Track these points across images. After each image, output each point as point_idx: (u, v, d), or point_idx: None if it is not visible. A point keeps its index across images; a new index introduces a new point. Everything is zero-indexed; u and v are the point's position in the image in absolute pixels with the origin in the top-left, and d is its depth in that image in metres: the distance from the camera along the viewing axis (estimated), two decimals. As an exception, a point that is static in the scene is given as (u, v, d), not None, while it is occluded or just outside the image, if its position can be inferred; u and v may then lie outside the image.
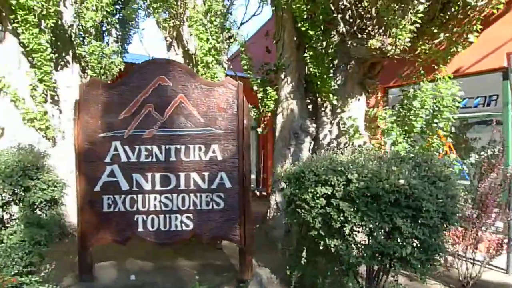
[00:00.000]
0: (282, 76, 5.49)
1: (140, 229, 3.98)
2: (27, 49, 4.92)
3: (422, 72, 5.19)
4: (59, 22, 5.52)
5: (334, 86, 5.07)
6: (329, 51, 4.91)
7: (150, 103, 4.00)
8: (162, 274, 4.26)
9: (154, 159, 4.00)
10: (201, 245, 4.83)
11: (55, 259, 3.49)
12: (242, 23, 9.37)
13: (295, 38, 5.41)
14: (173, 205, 4.01)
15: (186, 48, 5.53)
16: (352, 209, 3.08)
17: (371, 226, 2.99)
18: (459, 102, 4.97)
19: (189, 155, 4.01)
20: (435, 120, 4.82)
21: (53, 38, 5.42)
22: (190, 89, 4.02)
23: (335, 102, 5.15)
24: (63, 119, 5.72)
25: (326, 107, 5.42)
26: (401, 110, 5.11)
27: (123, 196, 3.97)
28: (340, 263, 3.37)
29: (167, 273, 4.31)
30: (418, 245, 2.98)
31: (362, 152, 3.61)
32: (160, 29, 5.58)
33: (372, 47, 4.40)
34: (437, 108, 4.81)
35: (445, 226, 3.02)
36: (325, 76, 4.94)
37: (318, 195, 3.29)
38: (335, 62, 5.20)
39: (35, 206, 3.02)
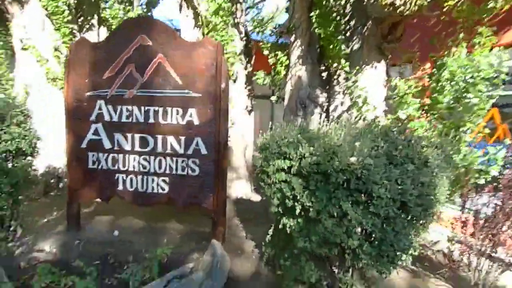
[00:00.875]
0: (292, 39, 4.99)
1: (120, 187, 4.07)
2: (47, 11, 5.20)
3: (461, 35, 4.28)
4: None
5: (345, 50, 4.45)
6: (339, 8, 4.27)
7: (131, 62, 3.95)
8: (145, 235, 4.34)
9: (134, 120, 3.99)
10: (201, 210, 4.82)
11: (49, 211, 3.78)
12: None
13: (307, -6, 4.81)
14: (151, 168, 3.99)
15: (196, 10, 5.31)
16: (302, 187, 2.71)
17: (318, 208, 2.60)
18: (506, 74, 4.02)
19: (167, 118, 3.91)
20: (468, 95, 3.97)
21: (76, 1, 5.63)
22: (170, 49, 3.85)
23: (347, 69, 4.54)
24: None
25: (339, 75, 4.81)
26: (429, 81, 4.33)
27: (105, 154, 4.07)
28: (293, 246, 3.04)
29: (150, 234, 4.38)
30: (371, 237, 2.52)
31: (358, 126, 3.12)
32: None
33: (383, 3, 3.70)
34: (471, 81, 3.94)
35: (406, 219, 2.47)
36: (332, 38, 4.33)
37: (277, 168, 2.97)
38: (352, 23, 4.53)
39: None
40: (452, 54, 4.12)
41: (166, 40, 3.85)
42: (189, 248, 3.98)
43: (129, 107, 3.98)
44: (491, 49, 4.16)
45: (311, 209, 2.64)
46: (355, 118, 4.67)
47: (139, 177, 4.03)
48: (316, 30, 4.41)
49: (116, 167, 4.06)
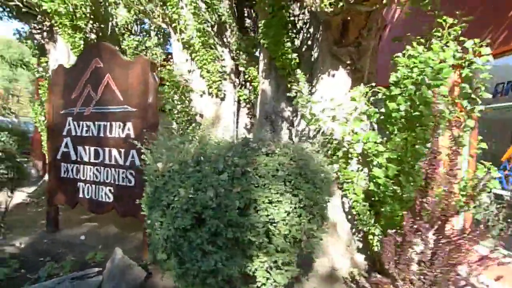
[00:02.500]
0: (258, 52, 4.87)
1: (80, 195, 4.52)
2: (70, 47, 6.23)
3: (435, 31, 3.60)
4: (106, 22, 6.67)
5: (295, 59, 4.17)
6: (285, 14, 4.03)
7: (89, 83, 4.44)
8: (108, 241, 4.67)
9: (90, 134, 4.44)
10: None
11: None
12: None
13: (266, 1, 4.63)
14: (101, 177, 4.35)
15: (181, 33, 5.65)
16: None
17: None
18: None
19: (112, 131, 4.25)
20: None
21: (99, 35, 6.60)
22: (114, 68, 4.22)
23: (301, 80, 4.22)
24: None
25: (303, 86, 4.47)
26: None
27: (72, 165, 4.60)
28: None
29: (113, 241, 4.68)
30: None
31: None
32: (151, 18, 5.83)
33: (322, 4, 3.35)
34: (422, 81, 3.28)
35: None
36: (278, 47, 4.11)
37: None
38: (304, 29, 4.24)
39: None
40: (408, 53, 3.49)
41: (112, 61, 4.25)
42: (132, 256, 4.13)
43: (88, 123, 4.46)
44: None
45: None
46: (314, 130, 4.29)
47: (93, 186, 4.41)
48: (261, 41, 4.25)
49: (78, 177, 4.55)
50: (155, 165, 2.33)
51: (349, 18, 3.77)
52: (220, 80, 5.67)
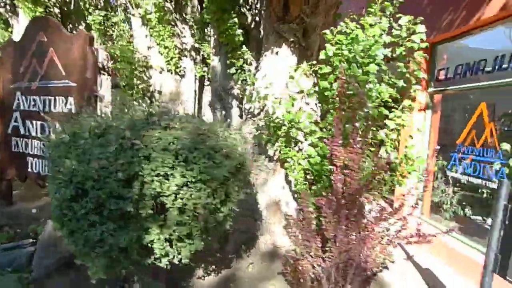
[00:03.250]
0: (209, 29, 4.80)
1: (29, 169, 4.56)
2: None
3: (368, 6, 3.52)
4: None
5: (238, 35, 4.11)
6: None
7: (35, 57, 4.41)
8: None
9: (37, 109, 4.44)
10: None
11: None
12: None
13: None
14: (46, 153, 4.37)
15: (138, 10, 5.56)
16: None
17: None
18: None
19: (56, 106, 4.25)
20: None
21: (63, 9, 6.51)
22: (58, 43, 4.18)
23: (246, 56, 4.18)
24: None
25: (250, 63, 4.43)
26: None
27: (21, 139, 4.63)
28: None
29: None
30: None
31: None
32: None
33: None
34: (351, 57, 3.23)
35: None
36: (224, 20, 4.04)
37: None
38: (255, 5, 4.15)
39: None
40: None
41: (56, 36, 4.20)
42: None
43: (35, 97, 4.45)
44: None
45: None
46: (258, 108, 4.27)
47: (40, 160, 4.45)
48: (205, 16, 4.19)
49: (27, 151, 4.58)
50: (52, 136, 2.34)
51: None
52: (179, 57, 5.61)
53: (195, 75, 5.90)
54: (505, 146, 3.84)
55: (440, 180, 5.28)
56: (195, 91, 5.91)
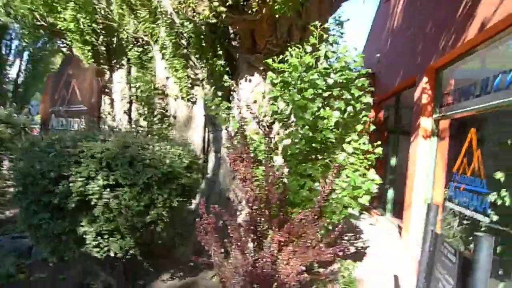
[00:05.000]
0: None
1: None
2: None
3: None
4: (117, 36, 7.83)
5: (219, 65, 4.63)
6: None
7: (64, 87, 5.46)
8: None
9: (63, 128, 5.43)
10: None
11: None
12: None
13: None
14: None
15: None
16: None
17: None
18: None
19: (74, 125, 5.18)
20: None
21: (109, 47, 7.77)
22: (78, 75, 5.17)
23: (227, 84, 4.68)
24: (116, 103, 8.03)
25: (234, 90, 4.91)
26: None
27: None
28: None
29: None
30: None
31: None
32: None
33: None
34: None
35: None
36: (208, 57, 4.62)
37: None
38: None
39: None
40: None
41: (77, 68, 5.19)
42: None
43: (62, 119, 5.47)
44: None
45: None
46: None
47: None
48: (189, 50, 4.79)
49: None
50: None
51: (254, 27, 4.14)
52: (191, 86, 6.31)
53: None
54: (498, 175, 3.64)
55: (448, 211, 5.04)
56: (204, 116, 6.53)
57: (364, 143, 3.75)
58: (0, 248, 3.88)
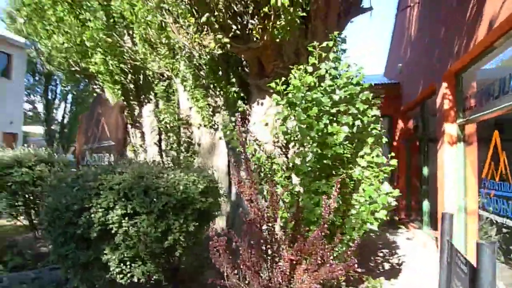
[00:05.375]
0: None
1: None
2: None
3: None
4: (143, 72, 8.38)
5: (233, 92, 4.83)
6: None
7: (95, 125, 5.89)
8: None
9: (95, 163, 5.82)
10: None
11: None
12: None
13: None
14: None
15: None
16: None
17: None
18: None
19: (104, 160, 5.53)
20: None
21: (137, 84, 8.32)
22: (105, 112, 5.56)
23: (240, 109, 4.86)
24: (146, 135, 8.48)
25: (249, 114, 5.07)
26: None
27: (88, 187, 6.05)
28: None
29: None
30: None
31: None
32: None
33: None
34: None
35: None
36: (222, 83, 4.84)
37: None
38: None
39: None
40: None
41: (105, 107, 5.61)
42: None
43: (94, 154, 5.88)
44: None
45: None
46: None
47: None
48: (204, 80, 5.04)
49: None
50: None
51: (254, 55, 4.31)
52: (212, 114, 6.57)
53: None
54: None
55: (485, 220, 4.81)
56: (226, 141, 6.73)
57: (377, 155, 3.72)
58: (39, 280, 4.17)
